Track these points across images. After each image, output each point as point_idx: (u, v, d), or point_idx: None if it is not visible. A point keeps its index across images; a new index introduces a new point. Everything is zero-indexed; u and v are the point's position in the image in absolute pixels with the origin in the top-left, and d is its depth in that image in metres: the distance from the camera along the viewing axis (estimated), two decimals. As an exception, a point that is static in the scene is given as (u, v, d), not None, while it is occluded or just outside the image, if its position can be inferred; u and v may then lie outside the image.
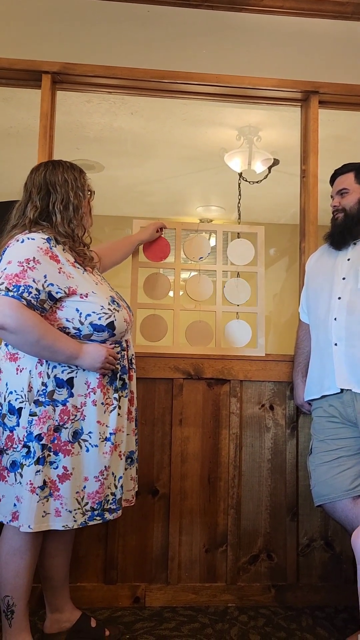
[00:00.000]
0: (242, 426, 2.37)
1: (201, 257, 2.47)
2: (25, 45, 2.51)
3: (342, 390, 1.99)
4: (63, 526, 1.69)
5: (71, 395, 1.72)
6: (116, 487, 1.79)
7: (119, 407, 1.80)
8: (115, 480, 1.79)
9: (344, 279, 2.04)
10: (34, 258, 1.66)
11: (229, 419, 2.36)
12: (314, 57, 2.64)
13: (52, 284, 1.68)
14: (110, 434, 1.76)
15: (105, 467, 1.75)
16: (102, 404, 1.76)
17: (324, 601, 2.31)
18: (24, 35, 2.53)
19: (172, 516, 2.30)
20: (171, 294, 2.48)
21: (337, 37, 2.66)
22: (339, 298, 2.02)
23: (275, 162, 4.14)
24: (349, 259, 2.06)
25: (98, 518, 1.75)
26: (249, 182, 4.35)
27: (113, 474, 1.78)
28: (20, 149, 3.82)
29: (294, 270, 2.62)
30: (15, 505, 1.67)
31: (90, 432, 1.73)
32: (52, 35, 2.53)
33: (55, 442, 1.69)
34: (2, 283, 1.62)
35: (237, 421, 2.36)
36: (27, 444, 1.66)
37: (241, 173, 4.22)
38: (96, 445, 1.74)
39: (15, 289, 1.61)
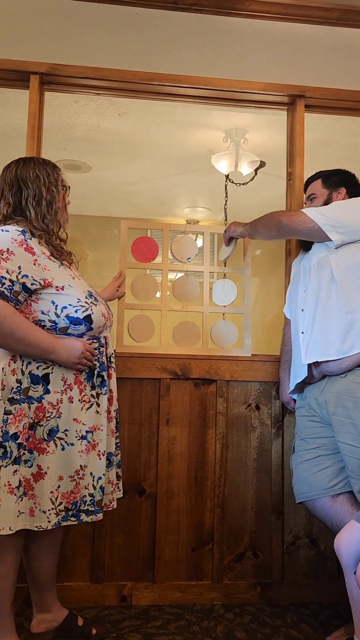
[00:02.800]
0: (229, 426, 2.40)
1: (189, 258, 2.49)
2: (14, 46, 2.50)
3: (312, 376, 2.01)
4: (36, 527, 1.67)
5: (47, 392, 1.70)
6: (95, 488, 1.76)
7: (97, 405, 1.78)
8: (93, 480, 1.76)
9: (310, 269, 2.11)
10: (7, 249, 1.65)
11: (216, 419, 2.38)
12: (300, 61, 2.67)
13: (26, 275, 1.66)
14: (87, 432, 1.75)
15: (81, 466, 1.73)
16: (79, 401, 1.74)
17: (309, 598, 2.34)
18: (12, 36, 2.52)
19: (159, 515, 2.31)
20: (158, 294, 2.50)
21: (323, 42, 2.70)
22: (305, 291, 2.09)
23: (262, 164, 4.18)
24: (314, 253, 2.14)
25: (73, 519, 1.72)
26: (236, 183, 4.38)
27: (91, 473, 1.76)
28: (7, 149, 3.81)
29: (280, 271, 2.65)
30: None
31: (66, 430, 1.72)
32: (40, 36, 2.53)
33: (30, 440, 1.67)
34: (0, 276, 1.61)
35: (223, 421, 2.39)
36: (4, 444, 1.62)
37: (228, 175, 4.25)
38: (72, 444, 1.72)
39: None
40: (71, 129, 3.70)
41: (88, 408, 1.76)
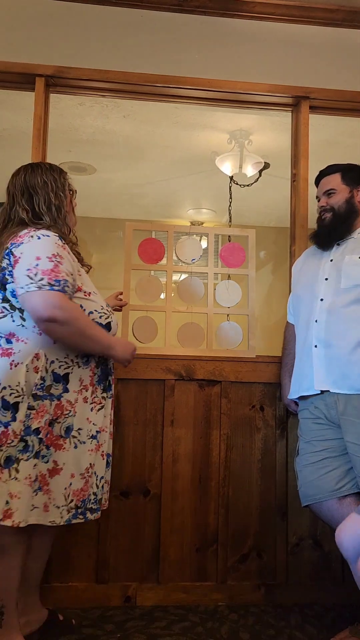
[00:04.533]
0: (233, 427, 2.40)
1: (193, 259, 2.50)
2: (19, 49, 2.52)
3: (322, 391, 2.02)
4: (50, 522, 1.69)
5: (66, 390, 1.74)
6: (97, 487, 1.81)
7: (104, 408, 1.84)
8: (97, 480, 1.81)
9: (326, 279, 2.07)
10: (57, 253, 1.70)
11: (220, 420, 2.39)
12: (304, 63, 2.67)
13: (73, 278, 1.73)
14: (97, 432, 1.80)
15: (90, 464, 1.77)
16: (92, 402, 1.80)
17: (313, 599, 2.34)
18: (18, 39, 2.54)
19: (164, 516, 2.32)
20: (163, 295, 2.50)
21: (328, 44, 2.70)
22: (321, 300, 2.05)
23: (266, 165, 4.18)
24: (331, 260, 2.09)
25: (81, 517, 1.75)
26: (240, 185, 4.38)
27: (95, 473, 1.80)
28: (13, 151, 3.82)
29: (283, 272, 2.65)
30: (7, 502, 1.61)
31: (79, 429, 1.76)
32: (46, 39, 2.54)
33: (48, 436, 1.70)
34: (42, 279, 1.64)
35: (227, 422, 2.39)
36: (25, 437, 1.65)
37: (232, 176, 4.25)
38: (84, 442, 1.76)
39: (56, 283, 1.65)
40: (76, 131, 3.71)
41: (99, 409, 1.82)
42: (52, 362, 1.72)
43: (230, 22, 2.64)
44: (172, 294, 2.50)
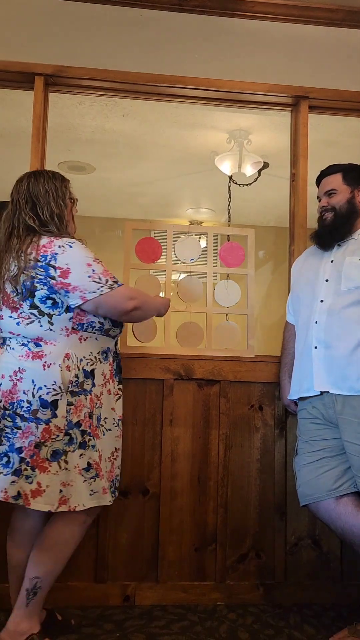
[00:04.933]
0: (232, 426, 2.40)
1: (192, 259, 2.50)
2: (19, 47, 2.52)
3: (321, 392, 2.02)
4: (110, 501, 1.87)
5: (94, 385, 1.87)
6: (119, 469, 1.98)
7: (121, 398, 2.01)
8: (119, 462, 1.99)
9: (326, 281, 2.07)
10: (93, 256, 1.86)
11: (219, 420, 2.39)
12: (304, 62, 2.67)
13: None
14: (118, 420, 1.97)
15: (115, 448, 1.94)
16: (113, 393, 1.96)
17: (312, 599, 2.34)
18: (17, 37, 2.53)
19: (162, 515, 2.32)
20: (162, 295, 2.50)
21: (327, 44, 2.70)
22: (321, 301, 2.05)
23: (265, 165, 4.18)
24: (332, 261, 2.09)
25: (113, 496, 1.93)
26: (239, 185, 4.38)
27: (119, 456, 1.98)
28: (12, 149, 3.82)
29: (282, 272, 2.65)
30: (61, 491, 1.74)
31: (105, 418, 1.92)
32: (45, 38, 2.54)
33: (91, 427, 1.83)
34: (107, 280, 1.82)
35: (226, 421, 2.39)
36: (69, 431, 1.77)
37: (231, 176, 4.25)
38: (110, 429, 1.93)
39: (117, 279, 1.85)
40: (75, 130, 3.71)
41: (117, 399, 1.98)
42: (81, 360, 1.83)
43: (230, 22, 2.64)
44: (171, 294, 2.50)
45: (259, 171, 4.20)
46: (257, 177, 4.29)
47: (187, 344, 2.43)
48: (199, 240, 2.64)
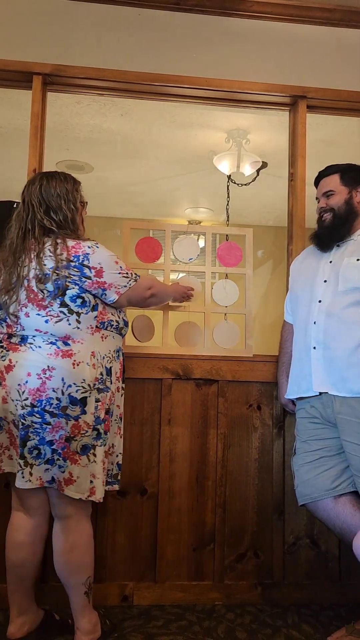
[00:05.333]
0: (230, 426, 2.40)
1: (191, 259, 2.50)
2: (17, 47, 2.51)
3: (320, 393, 2.02)
4: (100, 498, 1.89)
5: (111, 382, 1.93)
6: (112, 464, 2.01)
7: (123, 395, 2.08)
8: (117, 457, 2.02)
9: (325, 281, 2.07)
10: (115, 254, 1.95)
11: (217, 419, 2.39)
12: (302, 62, 2.67)
13: None
14: (120, 417, 2.03)
15: (112, 444, 1.98)
16: (120, 390, 2.03)
17: (310, 598, 2.34)
18: (15, 37, 2.53)
19: (161, 515, 2.32)
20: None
21: (325, 43, 2.70)
22: (320, 301, 2.05)
23: (264, 165, 4.18)
24: (331, 262, 2.09)
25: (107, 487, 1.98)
26: (238, 184, 4.38)
27: (114, 452, 2.01)
28: (10, 149, 3.81)
29: (280, 272, 2.65)
30: (91, 482, 1.83)
31: (113, 412, 1.98)
32: (43, 37, 2.54)
33: (106, 422, 1.89)
34: (131, 273, 1.95)
35: (225, 421, 2.39)
36: (96, 427, 1.84)
37: (230, 175, 4.25)
38: (111, 426, 1.98)
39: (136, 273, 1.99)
40: (73, 130, 3.71)
41: (121, 395, 2.06)
42: (103, 357, 1.90)
43: (228, 21, 2.64)
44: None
45: (258, 171, 4.20)
46: (256, 177, 4.29)
47: (186, 344, 2.43)
48: (198, 239, 2.64)
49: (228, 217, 4.56)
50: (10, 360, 1.83)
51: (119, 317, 1.97)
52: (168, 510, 2.33)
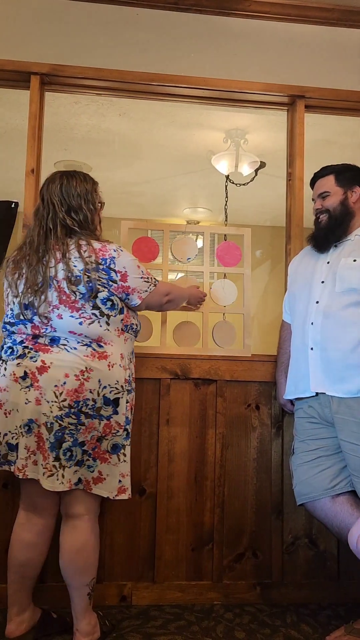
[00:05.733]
0: (229, 426, 2.40)
1: (189, 258, 2.50)
2: (15, 47, 2.51)
3: (317, 393, 2.02)
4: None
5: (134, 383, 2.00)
6: None
7: None
8: None
9: (322, 282, 2.07)
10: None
11: (216, 419, 2.39)
12: (300, 62, 2.67)
13: None
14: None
15: None
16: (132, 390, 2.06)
17: (308, 598, 2.34)
18: (13, 37, 2.53)
19: (159, 515, 2.32)
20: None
21: (323, 43, 2.70)
22: (317, 302, 2.05)
23: (262, 164, 4.18)
24: (328, 262, 2.09)
25: None
26: (236, 184, 4.38)
27: None
28: (7, 148, 3.81)
29: (278, 271, 2.65)
30: (120, 481, 1.87)
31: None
32: (41, 37, 2.53)
33: (132, 422, 1.96)
34: (151, 278, 1.97)
35: (223, 421, 2.39)
36: (126, 427, 1.90)
37: (228, 175, 4.25)
38: None
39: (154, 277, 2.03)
40: (72, 130, 3.71)
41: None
42: (130, 361, 1.96)
43: (226, 21, 2.64)
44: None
45: (256, 171, 4.20)
46: (254, 177, 4.29)
47: (184, 344, 2.43)
48: (196, 240, 2.64)
49: (226, 217, 4.56)
50: (43, 361, 1.81)
51: (137, 321, 2.01)
52: (166, 510, 2.32)
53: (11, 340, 1.88)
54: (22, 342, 1.86)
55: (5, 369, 1.86)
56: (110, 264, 1.87)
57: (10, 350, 1.87)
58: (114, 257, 1.88)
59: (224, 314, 2.61)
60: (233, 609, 2.26)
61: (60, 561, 1.87)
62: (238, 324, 2.50)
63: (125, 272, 1.89)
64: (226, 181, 4.38)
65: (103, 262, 1.86)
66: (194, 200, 5.27)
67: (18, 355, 1.85)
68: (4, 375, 1.86)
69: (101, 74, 2.53)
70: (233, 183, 4.38)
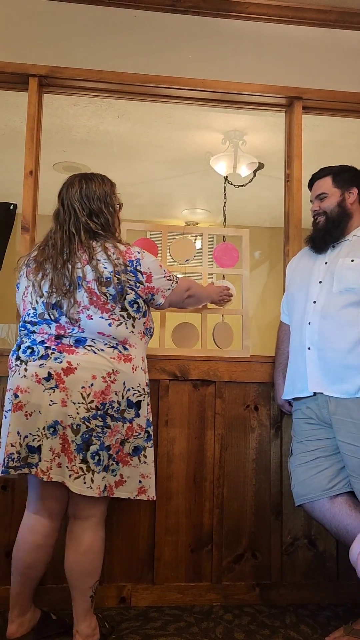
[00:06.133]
0: (227, 427, 2.40)
1: (187, 260, 2.50)
2: (13, 49, 2.51)
3: (315, 393, 2.02)
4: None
5: None
6: None
7: None
8: None
9: (320, 282, 2.07)
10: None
11: (214, 420, 2.39)
12: (297, 63, 2.68)
13: None
14: None
15: None
16: None
17: (308, 599, 2.34)
18: (11, 39, 2.53)
19: (158, 516, 2.32)
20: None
21: (321, 44, 2.71)
22: (314, 302, 2.05)
23: (260, 165, 4.18)
24: (326, 263, 2.10)
25: None
26: (235, 185, 4.38)
27: None
28: (6, 150, 3.81)
29: (277, 272, 2.65)
30: (140, 482, 1.89)
31: None
32: (39, 39, 2.54)
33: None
34: (172, 275, 2.02)
35: (222, 422, 2.39)
36: (147, 429, 1.92)
37: (226, 176, 4.25)
38: None
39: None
40: (70, 131, 3.71)
41: None
42: (146, 363, 1.98)
43: (224, 23, 2.65)
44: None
45: (254, 172, 4.20)
46: (253, 178, 4.30)
47: (183, 345, 2.43)
48: (195, 241, 2.64)
49: (225, 218, 4.57)
50: (69, 362, 1.80)
51: (153, 324, 2.04)
52: (166, 511, 2.33)
53: (30, 340, 1.86)
54: (42, 342, 1.84)
55: (25, 369, 1.82)
56: (136, 266, 1.90)
57: (30, 350, 1.84)
58: (139, 259, 1.91)
59: (222, 315, 2.62)
60: (232, 610, 2.26)
61: (66, 563, 1.86)
62: (237, 325, 2.50)
63: (150, 273, 1.93)
64: (225, 182, 4.39)
65: (130, 264, 1.89)
66: (193, 202, 5.28)
67: (40, 355, 1.82)
68: (25, 376, 1.81)
69: (99, 75, 2.53)
70: (232, 184, 4.38)
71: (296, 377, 2.09)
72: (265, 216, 5.27)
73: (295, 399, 2.13)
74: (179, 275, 2.55)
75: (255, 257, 5.56)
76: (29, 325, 1.89)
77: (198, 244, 2.59)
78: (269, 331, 2.78)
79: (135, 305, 1.89)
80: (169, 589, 2.30)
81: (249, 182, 4.33)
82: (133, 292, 1.88)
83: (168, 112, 3.41)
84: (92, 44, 2.57)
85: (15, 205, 3.04)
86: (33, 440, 1.78)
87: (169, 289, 2.00)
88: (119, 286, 1.84)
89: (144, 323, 1.94)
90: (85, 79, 2.53)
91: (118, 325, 1.85)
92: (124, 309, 1.87)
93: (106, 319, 1.84)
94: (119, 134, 3.76)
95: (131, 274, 1.88)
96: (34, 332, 1.87)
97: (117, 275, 1.85)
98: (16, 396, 1.80)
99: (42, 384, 1.79)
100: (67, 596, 2.20)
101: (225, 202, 4.49)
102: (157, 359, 2.36)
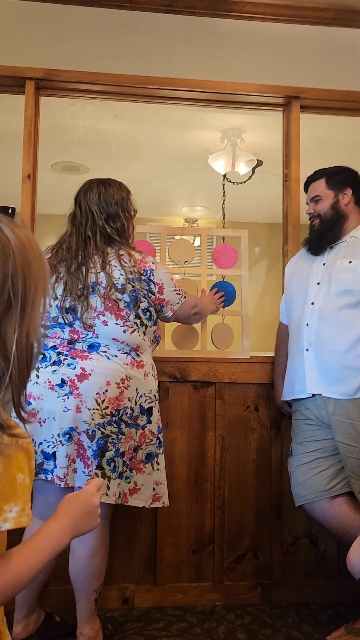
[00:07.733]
0: (228, 428, 2.41)
1: (186, 261, 2.50)
2: (9, 52, 2.50)
3: (313, 394, 2.03)
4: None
5: None
6: None
7: None
8: None
9: (318, 284, 2.07)
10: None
11: (215, 421, 2.39)
12: (295, 62, 2.67)
13: None
14: None
15: None
16: None
17: (309, 598, 2.35)
18: (7, 42, 2.52)
19: (160, 518, 2.33)
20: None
21: (318, 43, 2.70)
22: (312, 303, 2.06)
23: (259, 163, 4.17)
24: (324, 264, 2.10)
25: None
26: (233, 183, 4.38)
27: None
28: (4, 153, 3.81)
29: (276, 272, 2.65)
30: (154, 489, 1.90)
31: None
32: (35, 42, 2.53)
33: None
34: (181, 291, 2.03)
35: (222, 423, 2.40)
36: (158, 435, 1.93)
37: (225, 174, 4.25)
38: None
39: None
40: (68, 131, 3.70)
41: None
42: (155, 370, 1.99)
43: (220, 22, 2.63)
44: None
45: (253, 169, 4.19)
46: (251, 175, 4.29)
47: (182, 346, 2.43)
48: (193, 242, 2.64)
49: (224, 215, 4.56)
50: (82, 368, 1.79)
51: (160, 333, 2.06)
52: (167, 512, 2.33)
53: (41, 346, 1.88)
54: (54, 347, 1.84)
55: (37, 376, 1.81)
56: (150, 276, 1.92)
57: (42, 356, 1.83)
58: (153, 270, 1.93)
59: (222, 316, 2.62)
60: (234, 609, 2.27)
61: (71, 566, 1.86)
62: (236, 326, 2.50)
63: (162, 284, 1.95)
64: (223, 180, 4.38)
65: (145, 274, 1.90)
66: (192, 199, 5.27)
67: (52, 362, 1.81)
68: (37, 382, 1.80)
69: (96, 78, 2.52)
70: (230, 182, 4.37)
71: (295, 379, 2.09)
72: (265, 213, 5.26)
73: (294, 400, 2.14)
74: (177, 277, 2.57)
75: (255, 252, 5.55)
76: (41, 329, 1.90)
77: (197, 242, 2.58)
78: (268, 331, 2.78)
79: (148, 314, 1.91)
80: (171, 590, 2.31)
81: (248, 179, 4.32)
82: (146, 301, 1.90)
83: (166, 111, 3.40)
84: (89, 46, 2.56)
85: (13, 209, 3.03)
86: (48, 447, 1.78)
87: (178, 303, 2.01)
88: (133, 294, 1.85)
89: (154, 332, 1.96)
90: (82, 82, 2.53)
91: (132, 332, 1.86)
92: (137, 316, 1.88)
93: (121, 326, 1.84)
94: (117, 133, 3.76)
95: (144, 283, 1.89)
96: (45, 336, 1.87)
97: (131, 283, 1.85)
98: (29, 403, 1.80)
99: (56, 391, 1.78)
100: (70, 598, 2.22)
101: (224, 200, 4.49)
102: (156, 361, 2.34)
